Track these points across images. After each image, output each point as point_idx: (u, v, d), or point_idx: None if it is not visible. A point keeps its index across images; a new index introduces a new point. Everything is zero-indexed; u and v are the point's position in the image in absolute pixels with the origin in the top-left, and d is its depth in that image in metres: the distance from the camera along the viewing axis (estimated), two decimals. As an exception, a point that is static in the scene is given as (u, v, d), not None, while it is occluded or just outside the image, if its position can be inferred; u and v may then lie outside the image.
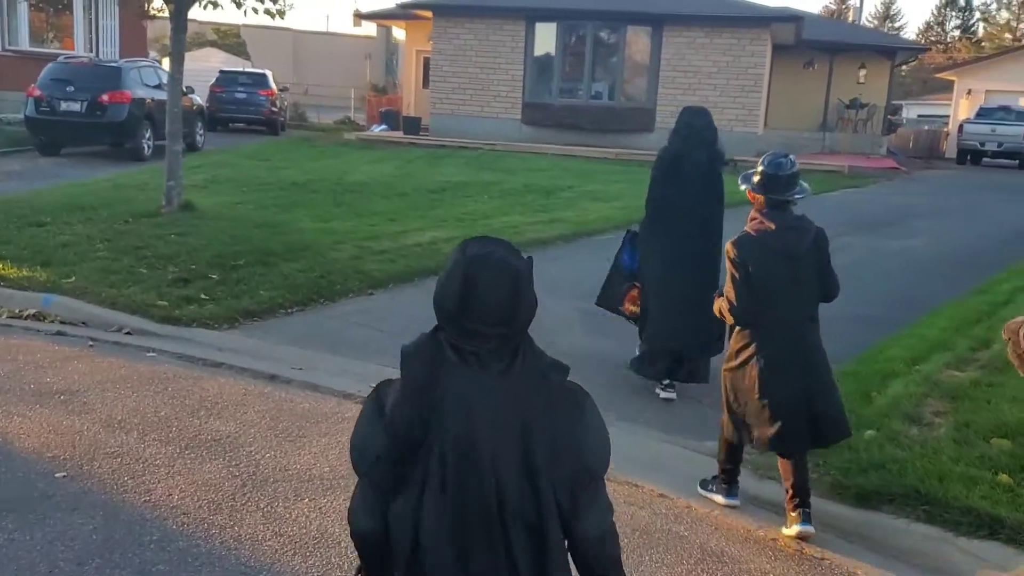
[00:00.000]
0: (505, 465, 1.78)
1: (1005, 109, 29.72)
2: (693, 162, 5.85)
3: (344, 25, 60.92)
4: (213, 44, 37.90)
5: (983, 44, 68.36)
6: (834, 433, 4.18)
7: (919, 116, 42.46)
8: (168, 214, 9.50)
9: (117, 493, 4.15)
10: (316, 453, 4.70)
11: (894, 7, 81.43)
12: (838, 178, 19.73)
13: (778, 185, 4.12)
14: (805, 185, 4.25)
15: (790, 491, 4.06)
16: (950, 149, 31.63)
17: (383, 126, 25.89)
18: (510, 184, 14.57)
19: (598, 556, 1.89)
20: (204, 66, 26.92)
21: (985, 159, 28.68)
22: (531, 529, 1.81)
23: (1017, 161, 28.40)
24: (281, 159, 16.95)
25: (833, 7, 71.57)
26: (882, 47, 30.51)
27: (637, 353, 6.04)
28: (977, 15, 78.76)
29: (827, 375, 4.20)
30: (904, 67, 33.84)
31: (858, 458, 4.56)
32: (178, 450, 4.63)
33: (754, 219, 4.19)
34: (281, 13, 9.32)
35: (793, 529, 4.03)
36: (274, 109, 24.72)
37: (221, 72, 25.37)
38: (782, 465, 4.15)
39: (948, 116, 40.96)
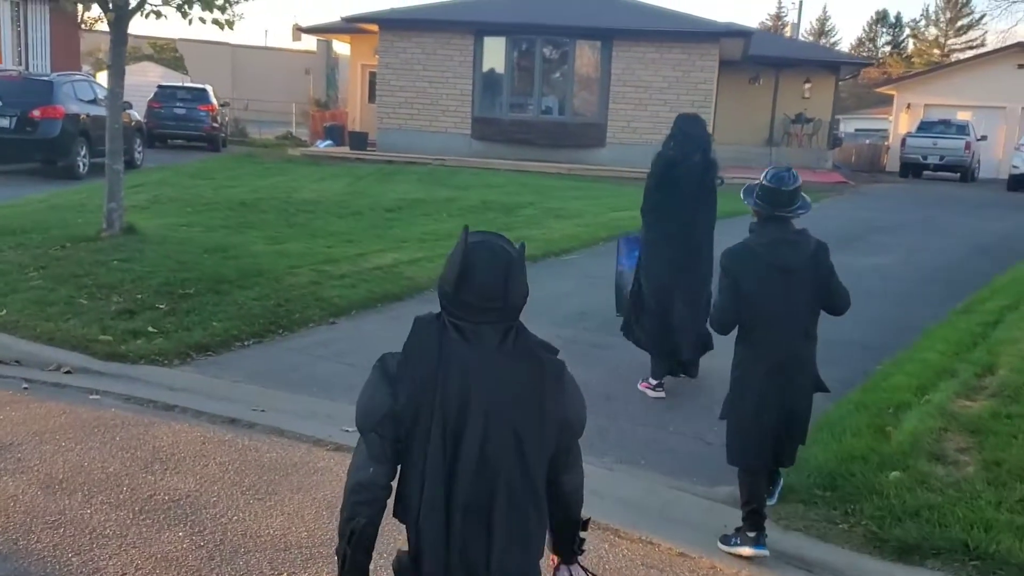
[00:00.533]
0: (495, 424, 2.01)
1: (945, 123, 30.16)
2: (688, 167, 5.91)
3: (283, 40, 59.70)
4: (149, 58, 36.78)
5: (913, 60, 69.96)
6: (790, 460, 4.24)
7: (856, 130, 43.05)
8: (109, 238, 8.82)
9: (60, 573, 3.56)
10: (290, 514, 4.15)
11: (828, 23, 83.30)
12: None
13: (780, 199, 4.04)
14: (807, 199, 4.17)
15: (747, 502, 4.02)
16: (891, 162, 32.01)
17: (328, 141, 25.25)
18: (467, 201, 14.09)
19: (575, 501, 2.22)
20: (141, 80, 25.96)
21: (927, 172, 28.98)
22: (514, 479, 2.03)
23: (958, 174, 28.78)
24: (226, 177, 16.24)
25: (770, 23, 72.81)
26: (826, 62, 30.82)
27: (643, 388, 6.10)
28: (907, 31, 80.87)
29: (809, 397, 4.15)
30: (839, 82, 34.18)
31: (890, 505, 4.17)
32: (131, 515, 4.04)
33: (753, 231, 4.17)
34: (230, 24, 8.74)
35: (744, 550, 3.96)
36: (215, 125, 23.90)
37: (159, 87, 24.46)
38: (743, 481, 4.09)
39: (884, 130, 41.66)
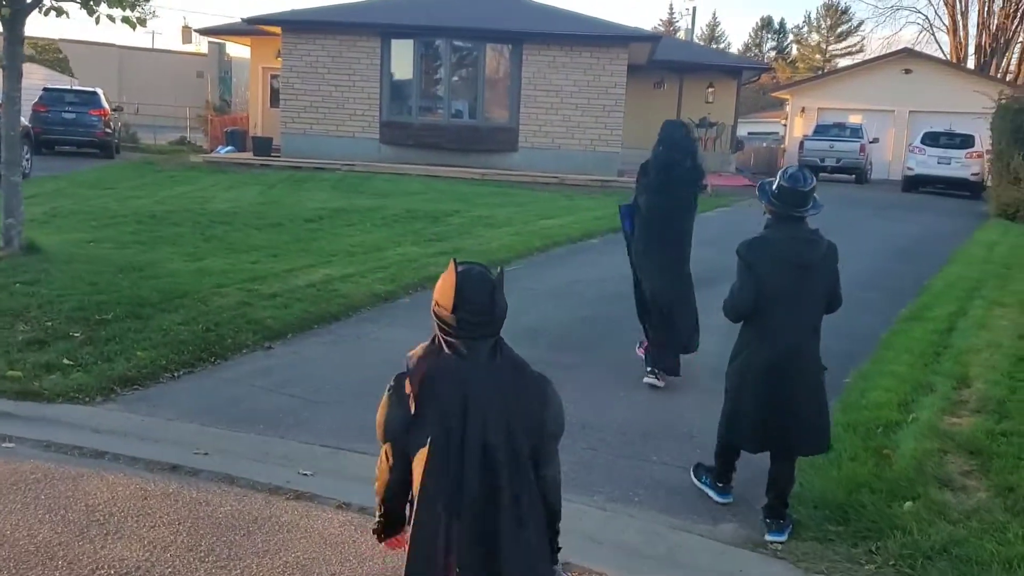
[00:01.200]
0: (492, 428, 2.29)
1: (840, 126, 30.95)
2: (682, 170, 6.27)
3: (171, 42, 57.51)
4: (31, 59, 34.74)
5: (797, 64, 72.26)
6: (812, 444, 4.28)
7: (749, 134, 44.04)
8: (9, 258, 7.99)
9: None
10: (262, 583, 3.62)
11: (719, 30, 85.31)
12: (707, 198, 19.69)
13: (796, 199, 4.18)
14: (819, 200, 4.31)
15: (771, 495, 4.25)
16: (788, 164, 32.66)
17: (230, 147, 24.23)
18: (390, 210, 13.53)
19: (553, 491, 2.46)
20: (24, 83, 24.38)
21: (823, 174, 29.55)
22: (507, 468, 2.30)
23: (853, 176, 29.56)
24: (127, 186, 15.25)
25: (662, 29, 74.04)
26: (728, 67, 31.32)
27: (641, 354, 6.53)
28: (790, 37, 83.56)
29: (817, 386, 4.26)
30: (740, 87, 34.80)
31: (915, 541, 3.91)
32: (74, 596, 3.46)
33: (768, 227, 4.31)
34: (142, 22, 8.04)
35: (769, 537, 4.14)
36: (108, 130, 22.58)
37: (45, 90, 22.91)
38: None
39: (775, 133, 42.71)
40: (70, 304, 6.93)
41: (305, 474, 4.71)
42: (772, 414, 4.16)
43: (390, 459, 2.42)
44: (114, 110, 24.17)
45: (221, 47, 35.29)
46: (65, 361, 6.02)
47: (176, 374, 6.16)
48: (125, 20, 7.92)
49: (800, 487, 4.46)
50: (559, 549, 2.54)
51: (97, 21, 7.71)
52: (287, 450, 5.03)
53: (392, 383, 2.43)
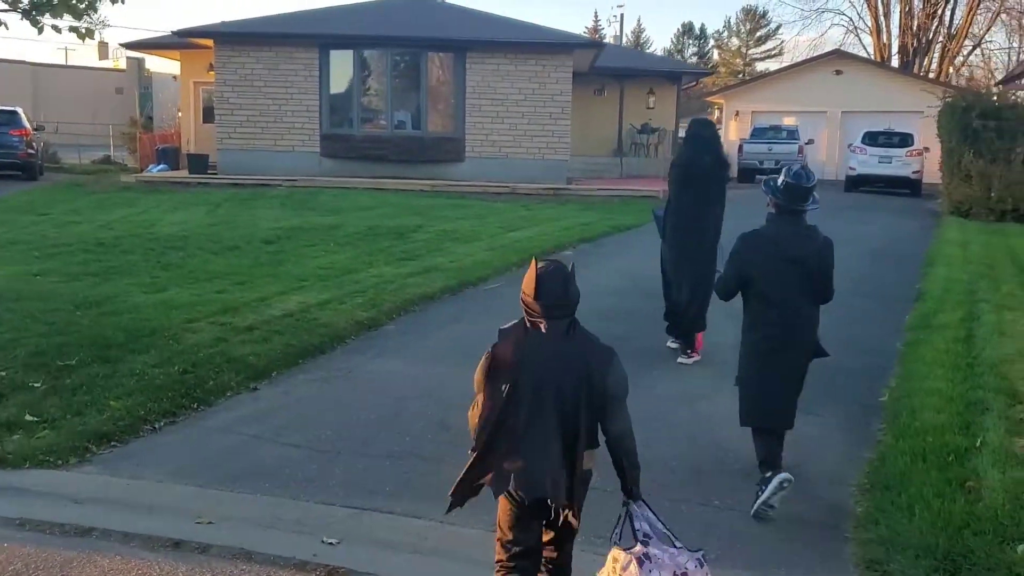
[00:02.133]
0: (567, 388, 2.91)
1: (776, 128, 31.13)
2: (703, 166, 6.73)
3: (87, 57, 55.06)
4: (-63, 77, 33.05)
5: (719, 69, 73.19)
6: (781, 421, 4.56)
7: (681, 138, 44.13)
8: (-54, 297, 7.17)
9: None
10: None
11: (643, 36, 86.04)
12: (661, 204, 19.43)
13: (797, 195, 4.48)
14: (818, 197, 4.62)
15: (762, 461, 4.46)
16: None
17: (162, 166, 23.18)
18: (351, 227, 12.85)
19: (619, 446, 3.01)
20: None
21: (762, 176, 29.58)
22: (579, 420, 2.91)
23: (793, 177, 29.71)
24: (62, 211, 14.25)
25: (587, 36, 74.27)
26: (668, 72, 31.26)
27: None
28: (711, 42, 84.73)
29: (800, 369, 4.60)
30: (680, 92, 34.85)
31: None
32: None
33: (769, 221, 4.62)
34: (91, 33, 7.29)
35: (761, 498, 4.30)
36: (30, 151, 21.32)
37: (-40, 109, 21.64)
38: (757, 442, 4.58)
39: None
40: (26, 349, 6.17)
41: (331, 543, 4.10)
42: (771, 393, 4.54)
43: (477, 405, 3.10)
44: (35, 129, 22.88)
45: (140, 62, 33.98)
46: (28, 417, 5.29)
47: (157, 425, 5.47)
48: (73, 30, 7.16)
49: (892, 532, 4.02)
50: (636, 486, 3.09)
51: (40, 31, 6.95)
52: (301, 513, 4.41)
53: (487, 352, 3.05)
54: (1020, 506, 4.15)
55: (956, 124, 18.69)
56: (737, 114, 35.43)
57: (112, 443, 5.16)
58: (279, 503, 4.52)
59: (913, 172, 25.51)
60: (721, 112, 38.24)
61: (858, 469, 4.93)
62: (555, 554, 3.18)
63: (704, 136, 6.89)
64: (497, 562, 3.16)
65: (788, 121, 33.48)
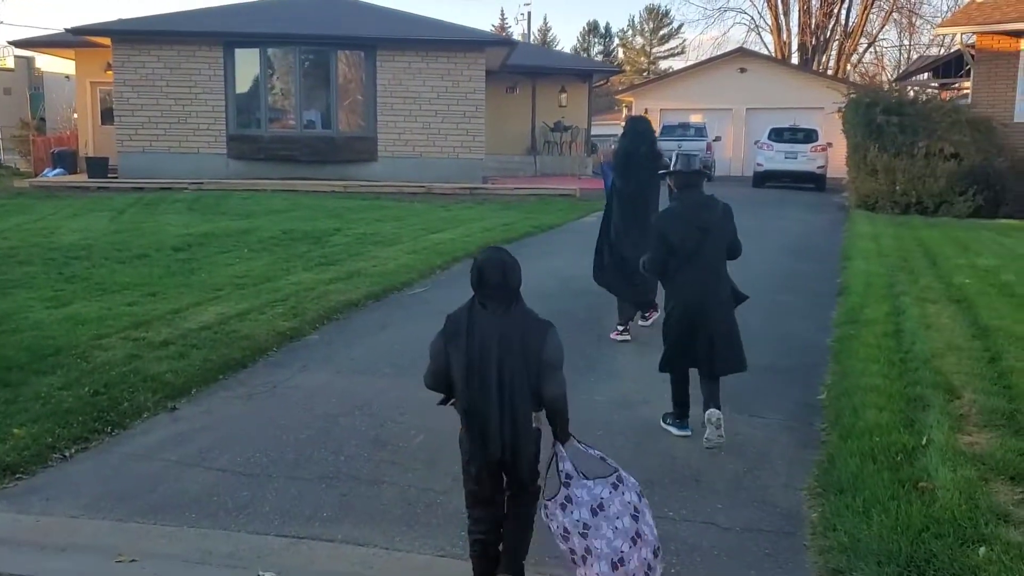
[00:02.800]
0: (507, 358, 3.34)
1: (684, 125, 31.56)
2: (640, 156, 7.54)
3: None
4: None
5: (625, 67, 74.10)
6: (730, 365, 5.32)
7: (592, 136, 44.49)
8: None
9: None
10: None
11: (550, 34, 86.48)
12: (578, 202, 19.44)
13: (690, 175, 5.42)
14: (708, 172, 5.80)
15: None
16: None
17: (59, 170, 22.14)
18: (264, 231, 12.38)
19: (553, 407, 3.43)
20: None
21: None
22: (518, 388, 3.35)
23: (703, 173, 30.15)
24: (-50, 220, 13.39)
25: (496, 34, 74.20)
26: (579, 70, 31.39)
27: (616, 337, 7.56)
28: (616, 41, 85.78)
29: (728, 318, 5.35)
30: (592, 90, 35.07)
31: (1013, 597, 3.43)
32: None
33: (674, 199, 5.54)
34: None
35: (709, 438, 5.05)
36: (-87, 156, 20.12)
37: None
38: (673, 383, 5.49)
39: (614, 135, 43.35)
40: (-84, 374, 5.65)
41: (267, 576, 3.80)
42: (693, 341, 5.26)
43: (430, 367, 3.52)
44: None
45: (30, 60, 32.40)
46: (-79, 449, 4.81)
47: (67, 453, 5.05)
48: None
49: (852, 539, 3.94)
50: (568, 435, 3.50)
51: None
52: (234, 545, 4.09)
53: (440, 331, 3.50)
54: (975, 506, 4.11)
55: (861, 120, 19.17)
56: (646, 111, 35.73)
57: (17, 475, 4.74)
58: (208, 535, 4.19)
59: (818, 167, 26.15)
60: (630, 110, 38.64)
61: (807, 472, 4.86)
62: (517, 505, 3.53)
63: (639, 130, 7.80)
64: (467, 510, 3.61)
65: (695, 118, 34.00)
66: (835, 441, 5.12)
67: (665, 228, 5.34)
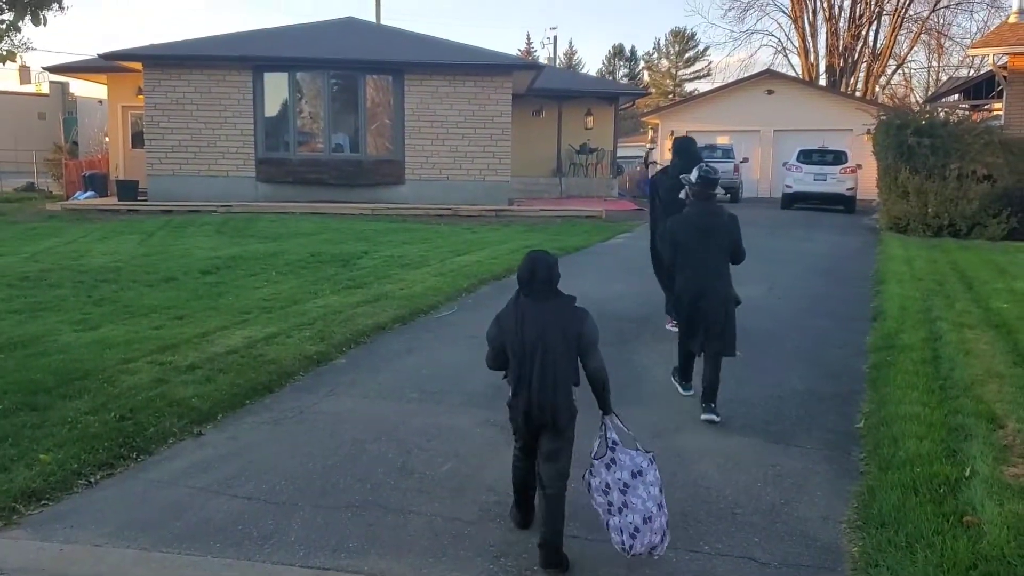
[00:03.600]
0: (551, 339, 4.01)
1: (711, 147, 31.39)
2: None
3: (7, 82, 53.21)
4: None
5: (651, 90, 74.13)
6: (722, 348, 6.19)
7: (617, 159, 44.42)
8: None
9: None
10: None
11: (575, 58, 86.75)
12: (604, 224, 19.35)
13: (707, 187, 6.34)
14: (722, 189, 7.44)
15: (704, 388, 6.14)
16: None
17: (90, 193, 22.38)
18: (292, 254, 12.38)
19: (596, 378, 4.11)
20: None
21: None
22: (561, 363, 4.01)
23: (728, 195, 29.95)
24: (-17, 243, 13.51)
25: (523, 58, 74.48)
26: (605, 93, 31.37)
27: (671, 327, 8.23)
28: (642, 64, 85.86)
29: (724, 310, 6.23)
30: (618, 112, 35.07)
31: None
32: None
33: (689, 206, 6.51)
34: (12, 56, 6.83)
35: (703, 416, 5.99)
36: (-51, 179, 20.42)
37: None
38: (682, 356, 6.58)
39: (640, 157, 43.22)
40: (-56, 398, 5.64)
41: (297, 611, 3.71)
42: (695, 328, 6.24)
43: (489, 352, 4.24)
44: (-46, 157, 21.93)
45: (64, 86, 32.91)
46: (-54, 476, 4.78)
47: (92, 479, 5.00)
48: (-7, 53, 6.68)
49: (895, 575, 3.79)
50: (610, 408, 4.16)
51: (-45, 54, 6.45)
52: (259, 576, 4.01)
53: (495, 319, 4.21)
54: (1021, 540, 3.95)
55: (892, 141, 18.95)
56: (672, 133, 35.63)
57: (43, 502, 4.69)
58: (233, 565, 4.11)
59: (847, 189, 25.90)
60: (656, 132, 38.57)
61: (846, 504, 4.71)
62: (548, 467, 4.06)
63: (691, 152, 8.24)
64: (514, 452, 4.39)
65: (722, 140, 33.87)
66: (875, 472, 4.97)
67: (675, 229, 6.39)
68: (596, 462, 4.05)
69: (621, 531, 3.90)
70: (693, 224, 6.26)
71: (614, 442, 4.04)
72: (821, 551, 4.22)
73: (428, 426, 5.86)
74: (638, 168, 37.53)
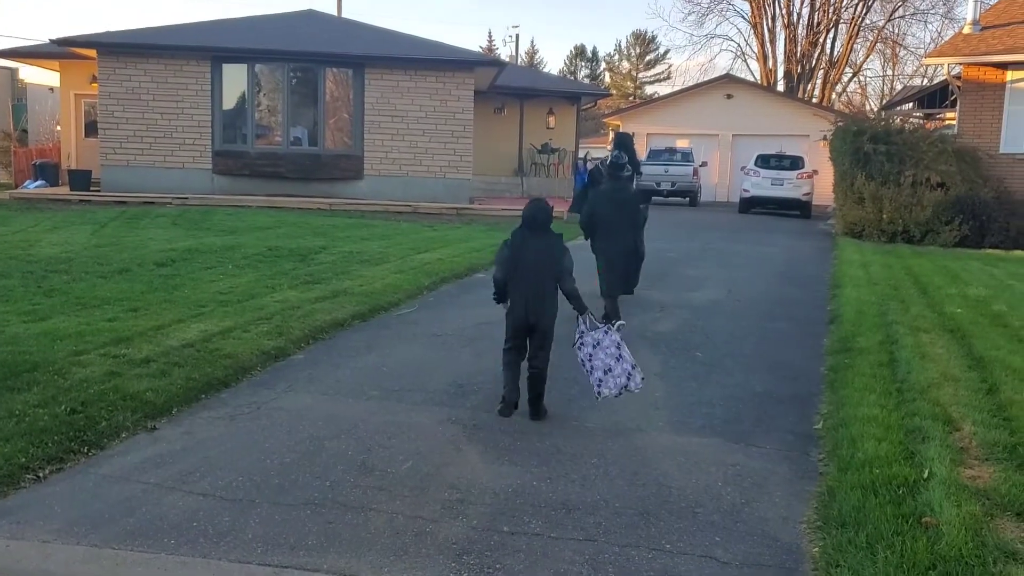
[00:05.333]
0: (543, 261, 5.77)
1: (671, 150, 31.61)
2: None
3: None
4: None
5: (611, 91, 74.51)
6: (625, 289, 9.07)
7: (579, 158, 44.48)
8: None
9: None
10: None
11: (537, 56, 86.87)
12: (564, 224, 19.30)
13: (615, 169, 9.04)
14: (628, 169, 9.43)
15: (605, 313, 8.34)
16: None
17: (40, 182, 21.86)
18: (249, 248, 12.20)
19: (570, 295, 5.82)
20: None
21: (658, 198, 29.74)
22: (549, 281, 5.80)
23: (687, 199, 30.17)
24: (-73, 231, 13.12)
25: (486, 55, 74.27)
26: (567, 93, 31.40)
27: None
28: (603, 65, 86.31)
29: (632, 262, 9.12)
30: (580, 112, 35.13)
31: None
32: None
33: (605, 184, 9.23)
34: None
35: (607, 325, 6.37)
36: None
37: None
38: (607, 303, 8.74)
39: (599, 158, 43.43)
40: None
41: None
42: (613, 277, 8.72)
43: (498, 269, 5.94)
44: None
45: (13, 71, 32.11)
46: None
47: (41, 474, 4.85)
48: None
49: None
50: (584, 309, 5.93)
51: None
52: (214, 575, 3.91)
53: (502, 243, 5.92)
54: (983, 544, 3.99)
55: (848, 148, 19.23)
56: (633, 135, 35.77)
57: (-11, 496, 4.54)
58: (188, 563, 4.01)
59: (804, 194, 26.24)
60: (616, 134, 38.69)
61: (806, 504, 4.73)
62: (537, 354, 5.94)
63: (627, 144, 10.31)
64: (504, 349, 6.06)
65: (682, 143, 34.10)
66: (834, 473, 5.00)
67: (594, 200, 8.96)
68: (577, 342, 5.92)
69: (593, 385, 5.84)
70: (608, 197, 8.91)
71: (582, 332, 5.90)
72: (782, 551, 4.23)
73: (388, 424, 5.79)
74: (585, 163, 37.60)
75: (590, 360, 5.80)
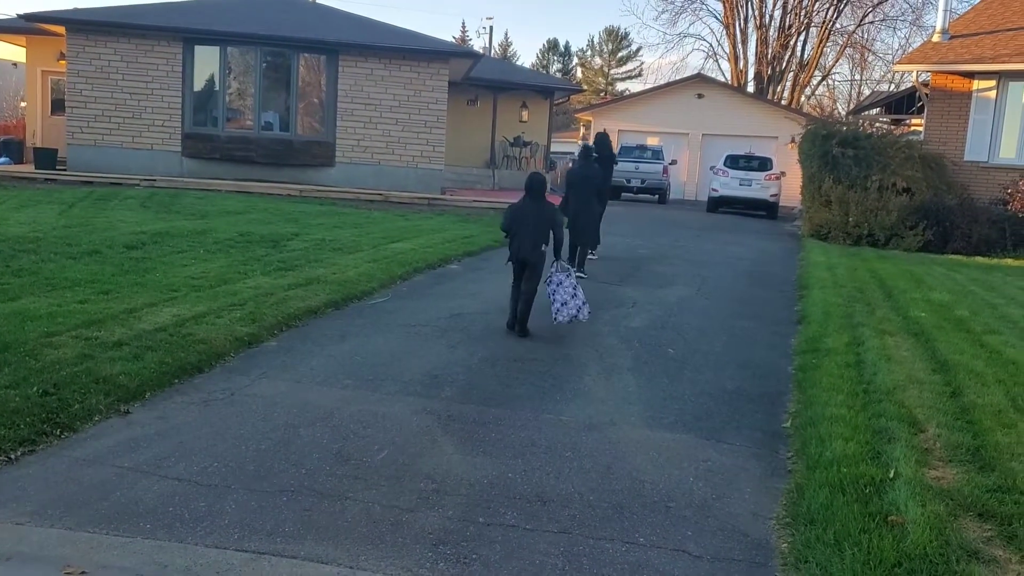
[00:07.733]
0: (537, 219, 8.14)
1: (642, 147, 31.76)
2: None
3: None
4: None
5: (583, 86, 74.61)
6: (589, 245, 12.21)
7: (551, 153, 44.54)
8: None
9: None
10: None
11: (511, 50, 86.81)
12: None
13: (585, 153, 12.38)
14: (596, 155, 12.65)
15: (571, 256, 11.52)
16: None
17: (4, 159, 21.51)
18: (220, 232, 12.10)
19: (556, 243, 8.24)
20: None
21: (627, 195, 29.88)
22: (545, 231, 8.16)
23: (656, 196, 30.38)
24: None
25: (461, 45, 74.08)
26: (541, 86, 31.41)
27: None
28: (575, 60, 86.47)
29: (592, 222, 12.03)
30: (553, 107, 35.13)
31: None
32: None
33: (576, 164, 12.50)
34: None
35: (576, 271, 9.79)
36: None
37: None
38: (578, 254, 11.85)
39: (572, 153, 43.59)
40: None
41: (232, 596, 3.64)
42: (574, 230, 11.41)
43: (504, 223, 8.32)
44: None
45: (-26, 46, 31.45)
46: None
47: (12, 456, 4.82)
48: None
49: (824, 572, 3.91)
50: (559, 256, 8.37)
51: None
52: (192, 560, 3.91)
53: (507, 208, 8.45)
54: (946, 543, 4.11)
55: (817, 151, 19.45)
56: (604, 131, 35.90)
57: (-40, 478, 4.50)
58: (164, 547, 4.01)
59: (771, 195, 26.50)
60: (588, 129, 38.79)
61: (775, 501, 4.83)
62: (527, 284, 8.10)
63: (606, 142, 13.57)
64: (511, 285, 8.30)
65: (652, 141, 34.29)
66: (802, 471, 5.10)
67: (570, 176, 12.04)
68: (544, 282, 8.16)
69: (553, 312, 8.07)
70: (578, 174, 11.92)
71: (552, 272, 8.20)
72: (752, 546, 4.32)
73: (363, 413, 5.81)
74: (568, 164, 37.68)
75: (554, 293, 8.13)
